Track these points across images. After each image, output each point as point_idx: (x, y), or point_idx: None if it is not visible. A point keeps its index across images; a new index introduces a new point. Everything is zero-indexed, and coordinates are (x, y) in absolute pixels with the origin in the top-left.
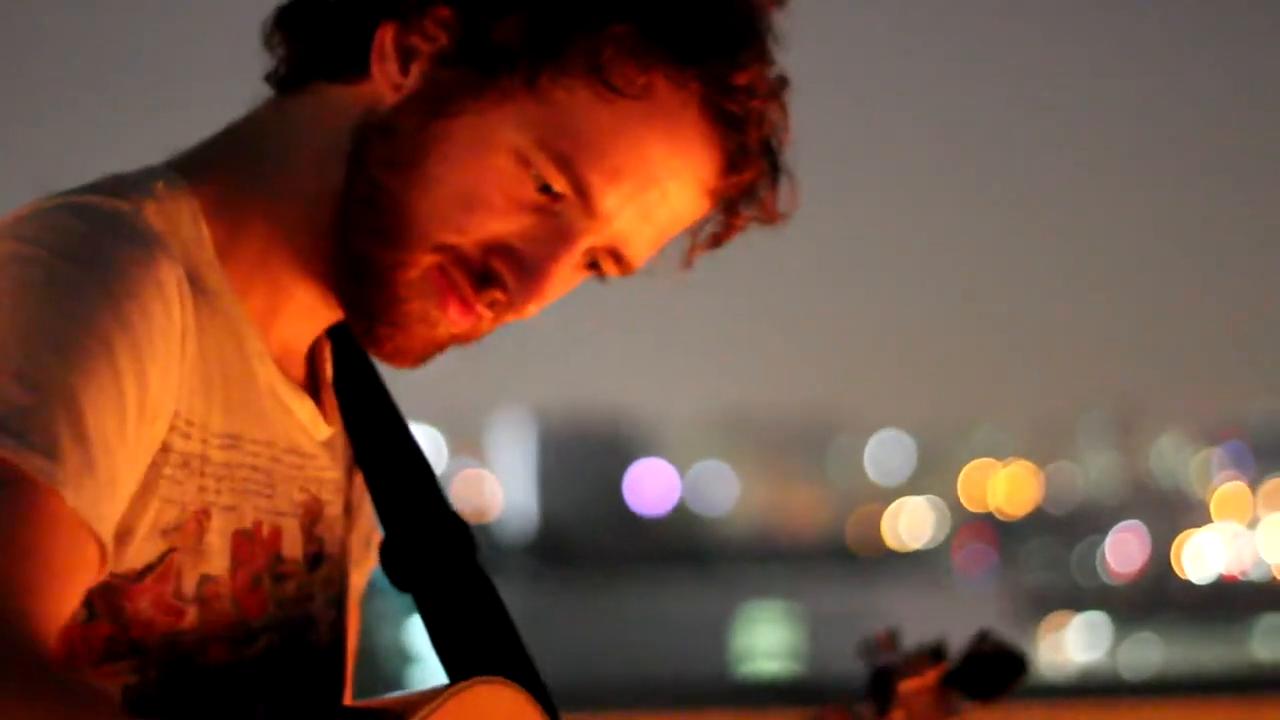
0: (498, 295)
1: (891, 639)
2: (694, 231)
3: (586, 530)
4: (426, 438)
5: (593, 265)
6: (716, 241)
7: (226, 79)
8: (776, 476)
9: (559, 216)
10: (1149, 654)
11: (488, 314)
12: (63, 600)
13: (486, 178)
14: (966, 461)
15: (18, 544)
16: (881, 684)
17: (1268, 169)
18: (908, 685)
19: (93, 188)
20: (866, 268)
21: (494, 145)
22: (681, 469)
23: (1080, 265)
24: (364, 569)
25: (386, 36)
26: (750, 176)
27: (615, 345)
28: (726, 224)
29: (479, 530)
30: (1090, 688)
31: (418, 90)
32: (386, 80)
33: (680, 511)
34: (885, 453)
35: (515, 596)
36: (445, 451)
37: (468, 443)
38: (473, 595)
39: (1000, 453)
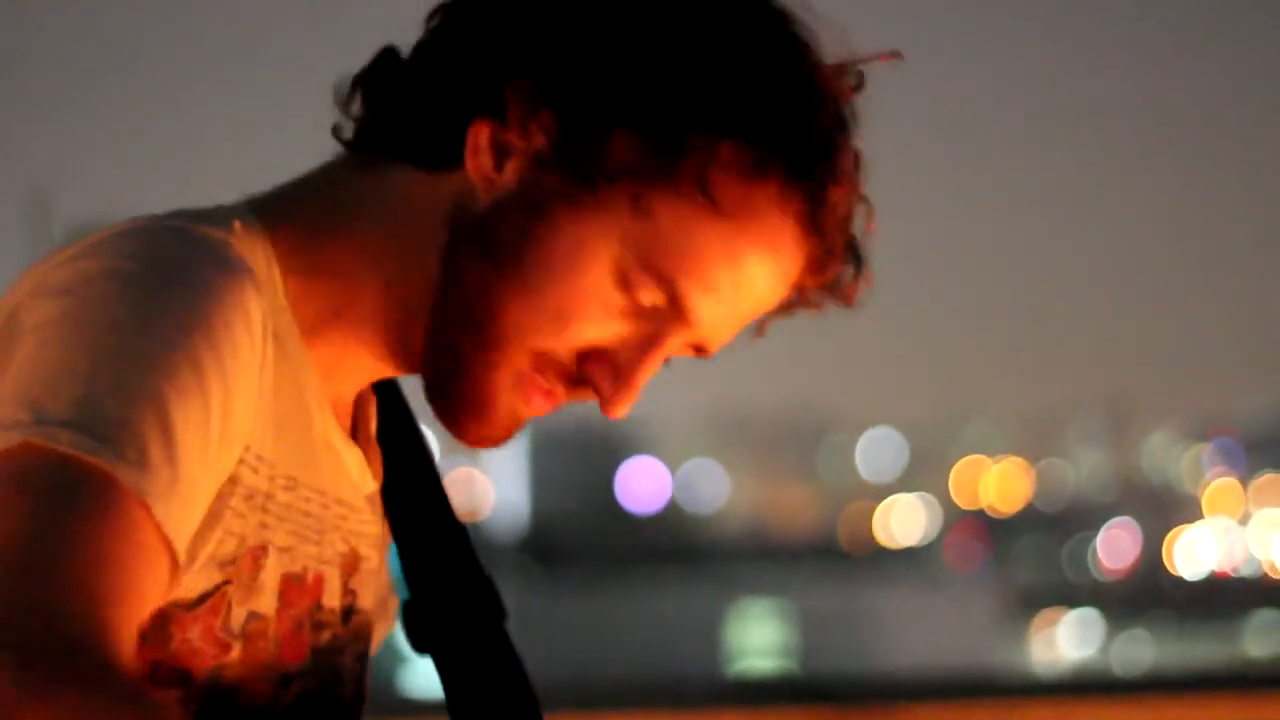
0: (586, 394)
1: None
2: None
3: (578, 528)
4: None
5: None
6: (787, 313)
7: (228, 86)
8: (768, 474)
9: (650, 321)
10: (1141, 650)
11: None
12: (138, 612)
13: (584, 290)
14: (958, 458)
15: (104, 552)
16: None
17: (1261, 167)
18: None
19: (177, 215)
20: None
21: (593, 258)
22: (672, 467)
23: (1072, 262)
24: (380, 630)
25: (483, 132)
26: (835, 274)
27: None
28: (801, 305)
29: (471, 529)
30: (1082, 684)
31: (514, 192)
32: (479, 174)
33: (672, 509)
34: (876, 450)
35: (507, 595)
36: (437, 450)
37: (458, 443)
38: (493, 662)
39: (991, 449)
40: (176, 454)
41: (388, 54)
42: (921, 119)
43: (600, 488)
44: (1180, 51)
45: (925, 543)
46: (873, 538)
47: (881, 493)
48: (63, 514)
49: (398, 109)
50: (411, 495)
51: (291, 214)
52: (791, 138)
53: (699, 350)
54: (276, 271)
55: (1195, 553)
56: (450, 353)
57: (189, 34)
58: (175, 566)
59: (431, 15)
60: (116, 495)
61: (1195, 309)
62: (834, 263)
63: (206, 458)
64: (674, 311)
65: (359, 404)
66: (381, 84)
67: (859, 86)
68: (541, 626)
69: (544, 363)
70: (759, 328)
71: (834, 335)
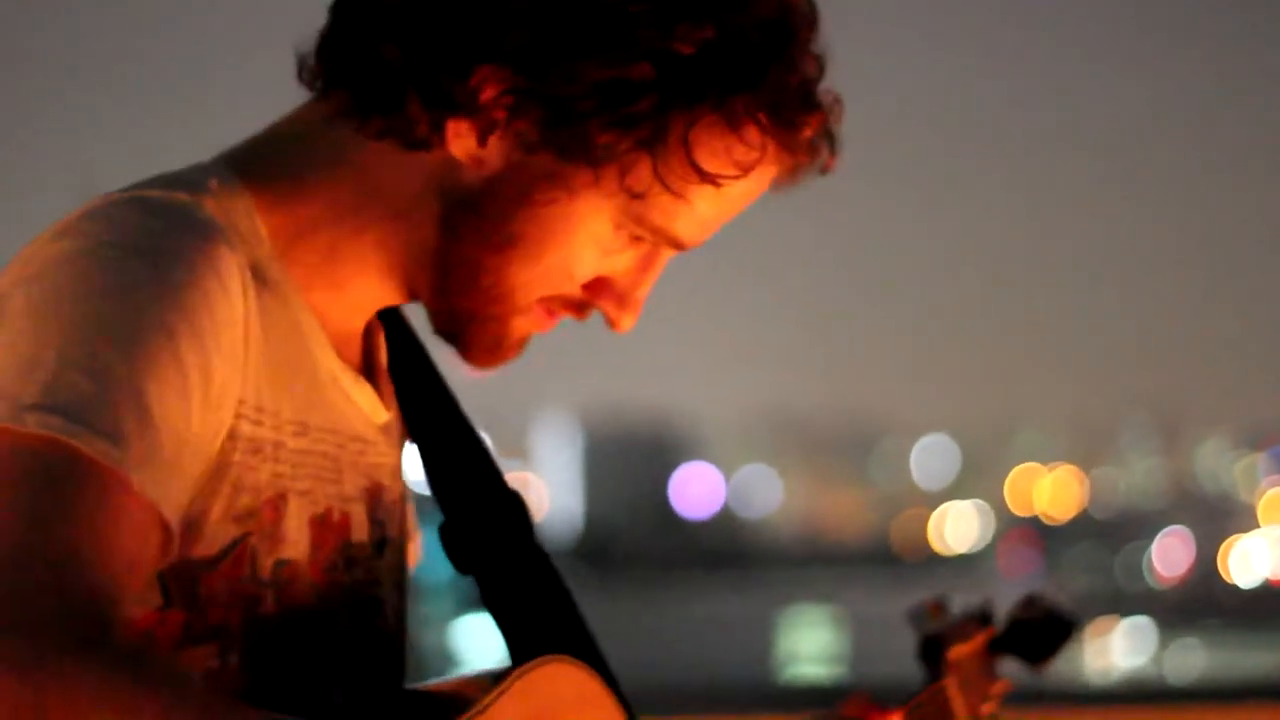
0: (591, 313)
1: (940, 607)
2: None
3: (631, 533)
4: None
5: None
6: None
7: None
8: (821, 480)
9: (646, 248)
10: (1194, 659)
11: None
12: (133, 580)
13: (584, 245)
14: (1011, 466)
15: (88, 526)
16: (932, 651)
17: None
18: (957, 651)
19: (148, 184)
20: (913, 272)
21: (588, 224)
22: (726, 472)
23: (1126, 270)
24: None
25: (462, 123)
26: (806, 164)
27: (660, 348)
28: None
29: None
30: (1135, 693)
31: (503, 173)
32: (462, 148)
33: (725, 515)
34: (930, 457)
35: None
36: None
37: (513, 445)
38: (534, 573)
39: (1045, 457)
40: (153, 422)
41: (348, 2)
42: (983, 132)
43: (654, 493)
44: (1248, 54)
45: (978, 549)
46: (926, 544)
47: (935, 499)
48: (42, 496)
49: (371, 85)
50: (430, 421)
51: (270, 166)
52: (763, 85)
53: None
54: (259, 222)
55: (1249, 561)
56: (461, 310)
57: (244, 31)
58: (166, 529)
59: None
60: (93, 470)
61: (1250, 316)
62: (808, 159)
63: (190, 421)
64: (666, 239)
65: (367, 336)
66: (351, 45)
67: None
68: (594, 630)
69: (552, 301)
70: None
71: (888, 342)
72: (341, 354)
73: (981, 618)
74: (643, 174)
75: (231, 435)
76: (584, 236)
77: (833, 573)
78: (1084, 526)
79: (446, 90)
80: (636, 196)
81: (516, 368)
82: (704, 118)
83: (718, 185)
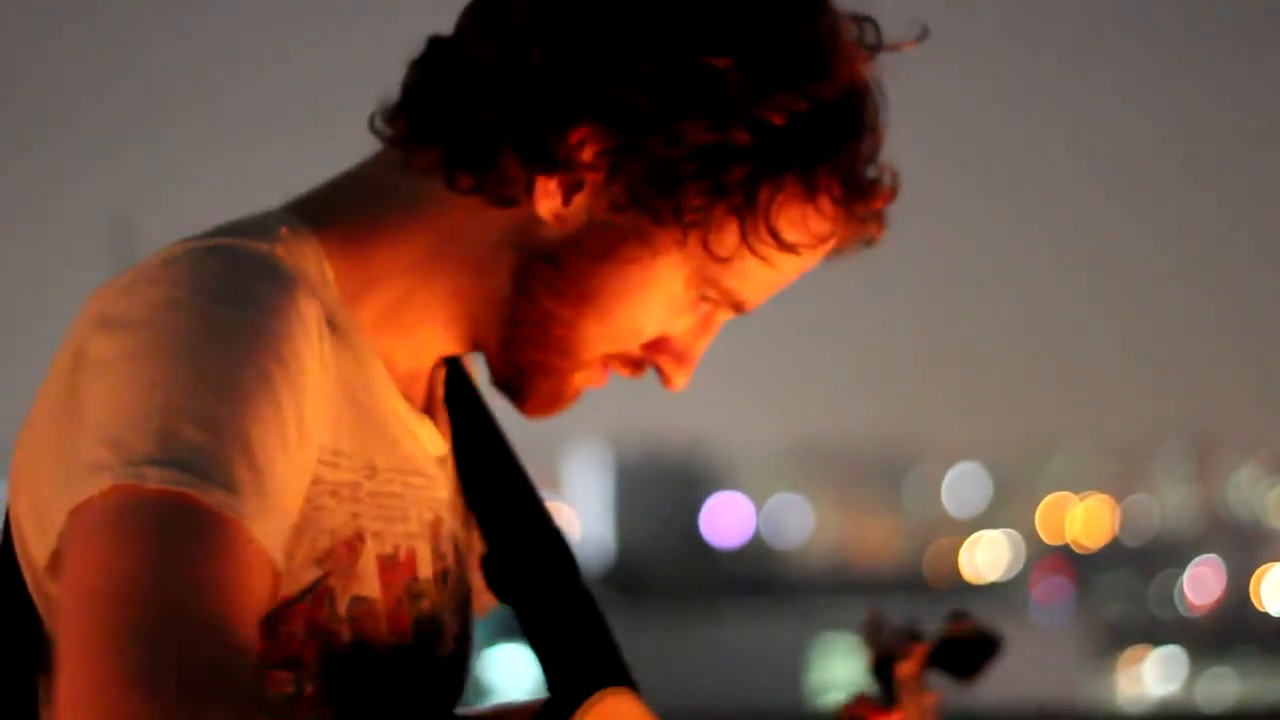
0: (647, 370)
1: (877, 624)
2: None
3: (662, 562)
4: None
5: None
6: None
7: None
8: (852, 508)
9: (709, 310)
10: (1226, 687)
11: None
12: (253, 627)
13: (657, 305)
14: (1043, 494)
15: (220, 579)
16: (885, 670)
17: None
18: (904, 668)
19: (224, 231)
20: (943, 299)
21: (665, 286)
22: (757, 501)
23: (1159, 297)
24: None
25: (551, 181)
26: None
27: (691, 376)
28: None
29: None
30: None
31: (585, 229)
32: (548, 206)
33: (756, 543)
34: (961, 485)
35: None
36: None
37: (543, 474)
38: (574, 607)
39: (1076, 485)
40: (261, 471)
41: (436, 57)
42: (1008, 160)
43: (684, 521)
44: (1267, 81)
45: (1010, 577)
46: (957, 572)
47: (966, 527)
48: (169, 551)
49: (464, 142)
50: (479, 454)
51: (339, 215)
52: (841, 157)
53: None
54: (329, 270)
55: None
56: (528, 363)
57: (270, 62)
58: (277, 576)
59: (480, 27)
60: (214, 522)
61: None
62: (873, 233)
63: (289, 468)
64: (732, 302)
65: (431, 370)
66: (443, 102)
67: (873, 48)
68: (626, 658)
69: (613, 358)
70: None
71: (919, 371)
72: (406, 393)
73: (913, 634)
74: (729, 239)
75: (316, 480)
76: (659, 295)
77: (864, 601)
78: (1116, 555)
79: (545, 147)
80: (720, 261)
81: None
82: (788, 186)
83: (796, 254)
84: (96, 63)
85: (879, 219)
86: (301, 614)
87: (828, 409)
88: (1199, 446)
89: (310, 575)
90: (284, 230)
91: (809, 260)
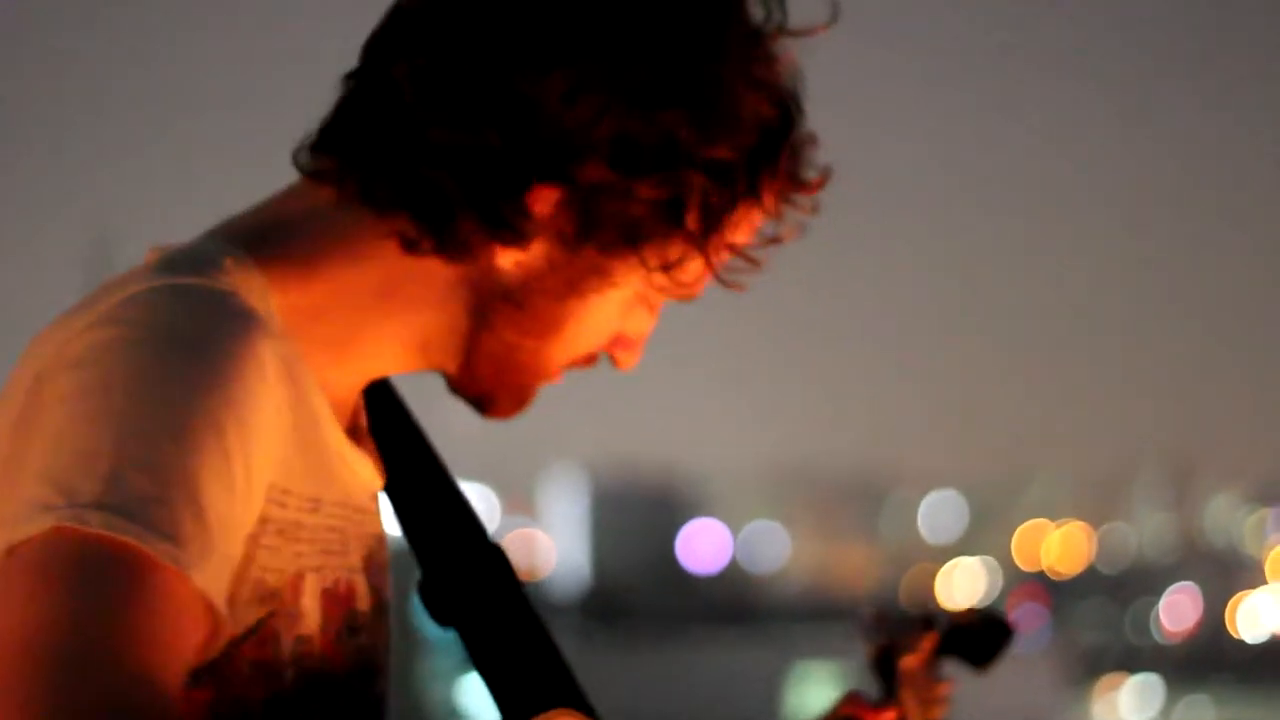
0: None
1: (884, 618)
2: None
3: (638, 588)
4: (479, 496)
5: None
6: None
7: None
8: (829, 535)
9: (655, 301)
10: (1202, 715)
11: None
12: (179, 679)
13: (616, 320)
14: (1020, 521)
15: (142, 626)
16: (886, 662)
17: None
18: (907, 661)
19: (177, 266)
20: (920, 328)
21: (624, 304)
22: (734, 528)
23: (1137, 326)
24: None
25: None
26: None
27: (667, 404)
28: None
29: (531, 589)
30: None
31: (546, 269)
32: (508, 256)
33: (733, 570)
34: (938, 512)
35: (568, 654)
36: (498, 510)
37: (520, 500)
38: (517, 625)
39: (1053, 512)
40: (207, 519)
41: (370, 109)
42: (984, 181)
43: (661, 548)
44: (1260, 100)
45: (986, 604)
46: (934, 599)
47: (943, 554)
48: (103, 598)
49: (423, 211)
50: (410, 476)
51: (281, 245)
52: (783, 161)
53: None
54: (273, 303)
55: (1257, 616)
56: (491, 383)
57: (252, 79)
58: (219, 622)
59: (420, 93)
60: (154, 571)
61: (1258, 371)
62: (814, 211)
63: (234, 513)
64: (686, 298)
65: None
66: (399, 170)
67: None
68: (602, 686)
69: (575, 362)
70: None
71: (896, 399)
72: (341, 423)
73: (925, 623)
74: (691, 265)
75: (262, 520)
76: (617, 310)
77: (841, 628)
78: (1092, 582)
79: (504, 217)
80: (681, 285)
81: (523, 424)
82: (740, 206)
83: (745, 256)
84: (79, 81)
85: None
86: (246, 655)
87: (805, 436)
88: (1176, 475)
89: (254, 615)
90: (229, 261)
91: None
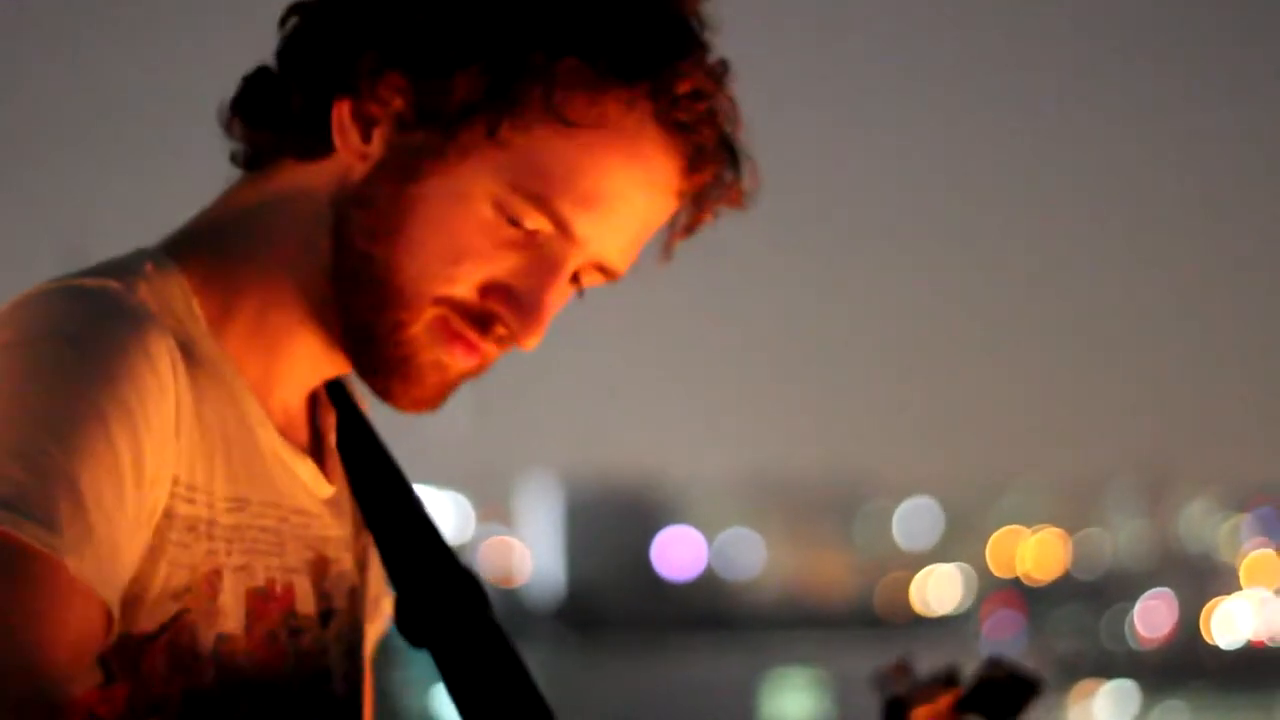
0: (500, 332)
1: (903, 669)
2: (668, 226)
3: (614, 596)
4: (454, 503)
5: (574, 278)
6: (689, 231)
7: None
8: (804, 542)
9: (542, 248)
10: None
11: (493, 349)
12: (75, 662)
13: (468, 229)
14: (994, 527)
15: (28, 613)
16: (895, 713)
17: None
18: (920, 713)
19: (86, 271)
20: (895, 337)
21: (469, 198)
22: (709, 535)
23: (1111, 333)
24: (373, 629)
25: (344, 110)
26: (711, 172)
27: (642, 411)
28: (696, 215)
29: (507, 596)
30: None
31: (385, 158)
32: (352, 152)
33: (708, 577)
34: (914, 520)
35: (543, 662)
36: (473, 517)
37: (495, 508)
38: (488, 648)
39: (1029, 519)
40: (86, 507)
41: (258, 72)
42: (960, 190)
43: (636, 556)
44: (1234, 118)
45: (961, 611)
46: (909, 606)
47: (918, 561)
48: None
49: (269, 116)
50: (380, 499)
51: (200, 244)
52: (628, 43)
53: (604, 272)
54: (195, 302)
55: (1232, 623)
56: (359, 321)
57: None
58: (106, 611)
59: (283, 20)
60: (28, 558)
61: (1233, 377)
62: (708, 163)
63: (124, 503)
64: (560, 233)
65: (319, 414)
66: (253, 99)
67: None
68: (578, 694)
69: (450, 308)
70: (665, 250)
71: (871, 406)
72: (286, 432)
73: (947, 679)
74: (509, 128)
75: (168, 514)
76: (469, 218)
77: (816, 635)
78: (1068, 588)
79: (333, 75)
80: (505, 150)
81: (498, 431)
82: (566, 67)
83: (574, 128)
84: (52, 91)
85: (703, 114)
86: (162, 650)
87: (779, 443)
88: (1151, 481)
89: (168, 610)
90: (149, 267)
91: (635, 180)
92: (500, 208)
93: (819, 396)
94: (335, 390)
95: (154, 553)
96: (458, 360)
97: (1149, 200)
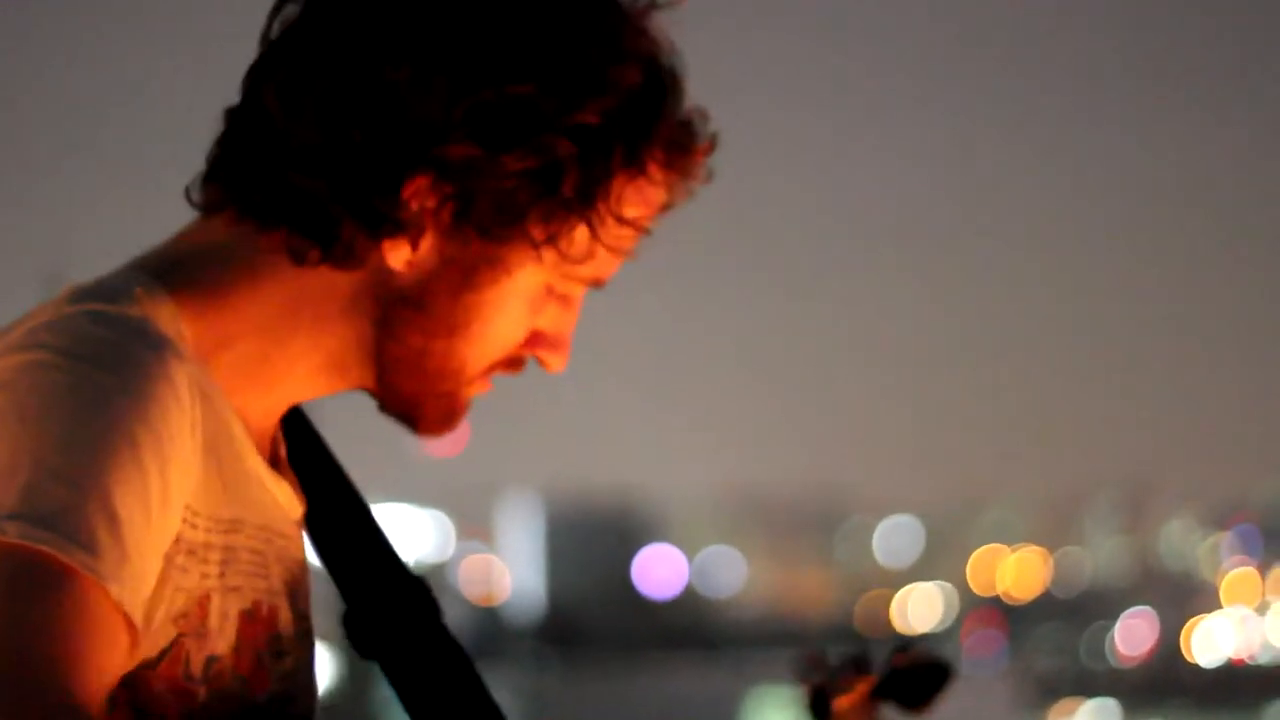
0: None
1: (819, 659)
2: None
3: (595, 613)
4: (434, 521)
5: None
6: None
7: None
8: (785, 560)
9: (569, 294)
10: None
11: None
12: (104, 686)
13: (524, 315)
14: (975, 545)
15: (69, 635)
16: (820, 703)
17: (1275, 251)
18: (841, 702)
19: (88, 294)
20: (875, 352)
21: (524, 295)
22: (690, 553)
23: (1087, 350)
24: None
25: (396, 242)
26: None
27: (623, 429)
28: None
29: (487, 614)
30: None
31: (439, 267)
32: (398, 258)
33: (689, 595)
34: (894, 537)
35: (524, 680)
36: (453, 535)
37: (476, 526)
38: (439, 656)
39: (1009, 537)
40: (122, 532)
41: (245, 134)
42: (943, 211)
43: (617, 573)
44: (1215, 135)
45: (942, 629)
46: (890, 624)
47: (898, 579)
48: (20, 604)
49: (303, 220)
50: (329, 508)
51: (192, 276)
52: (659, 127)
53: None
54: (185, 330)
55: (1213, 640)
56: (411, 394)
57: (210, 115)
58: (134, 635)
59: (286, 104)
60: (70, 579)
61: (1212, 395)
62: (705, 179)
63: (150, 529)
64: (595, 285)
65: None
66: (257, 178)
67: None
68: (558, 711)
69: (495, 366)
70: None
71: (852, 424)
72: (260, 451)
73: (858, 665)
74: (580, 240)
75: (176, 540)
76: (522, 304)
77: (797, 653)
78: (1048, 606)
79: (381, 211)
80: (572, 261)
81: (478, 450)
82: (620, 175)
83: (642, 230)
84: (33, 116)
85: (703, 160)
86: (162, 675)
87: (760, 461)
88: (1131, 499)
89: (168, 635)
90: (139, 291)
91: (649, 220)
92: (549, 290)
93: (800, 414)
94: None
95: (163, 579)
96: (484, 391)
97: (1128, 218)
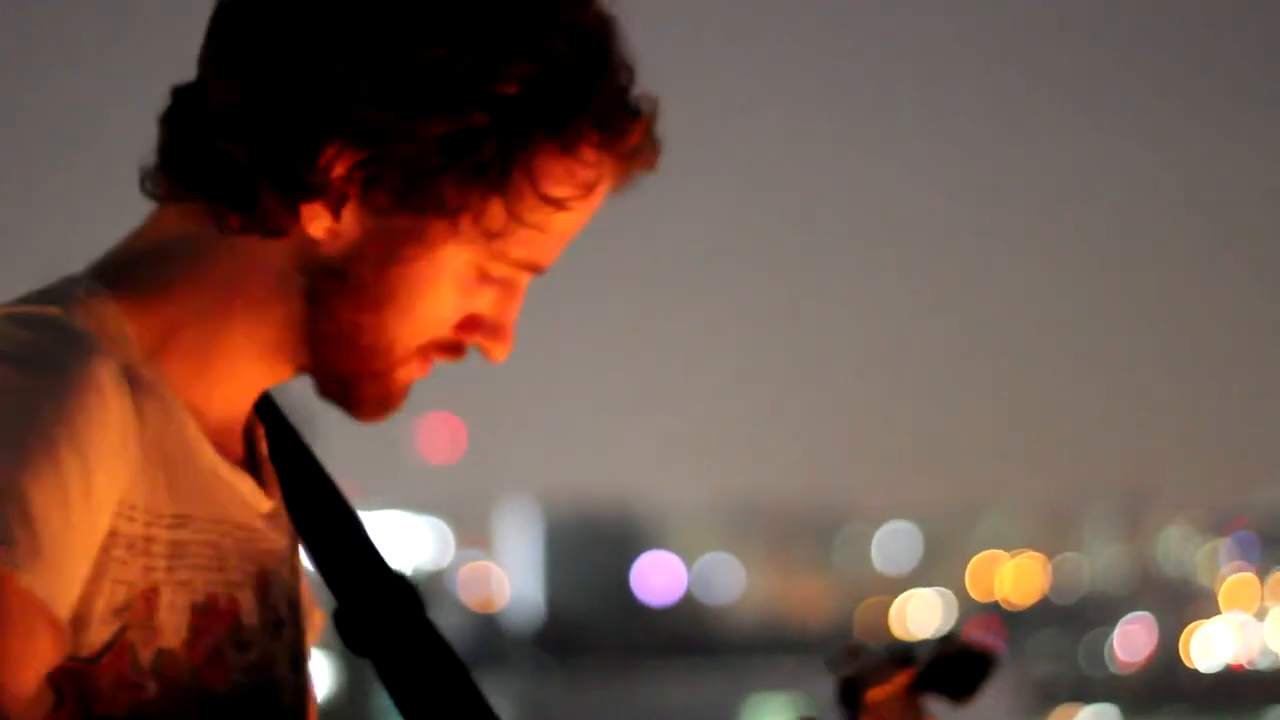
0: (468, 349)
1: (857, 651)
2: None
3: (593, 621)
4: (433, 529)
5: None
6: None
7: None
8: (783, 567)
9: (508, 279)
10: None
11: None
12: (24, 675)
13: (454, 292)
14: (974, 552)
15: None
16: (850, 693)
17: (1272, 256)
18: (875, 693)
19: (23, 299)
20: (873, 359)
21: (453, 271)
22: (688, 560)
23: (1086, 356)
24: (309, 641)
25: (315, 206)
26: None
27: (620, 436)
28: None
29: (486, 621)
30: None
31: (362, 240)
32: (319, 226)
33: (687, 602)
34: (893, 544)
35: (523, 687)
36: (452, 543)
37: (474, 533)
38: (429, 653)
39: (1008, 543)
40: (37, 527)
41: (180, 107)
42: (940, 218)
43: (615, 581)
44: (1215, 143)
45: (941, 636)
46: (888, 630)
47: (897, 585)
48: None
49: (222, 184)
50: (312, 507)
51: (132, 272)
52: (589, 104)
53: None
54: (129, 329)
55: (1212, 646)
56: (344, 372)
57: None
58: (56, 625)
59: (215, 70)
60: None
61: (1211, 401)
62: (643, 164)
63: (71, 526)
64: (527, 268)
65: (250, 429)
66: (194, 150)
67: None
68: (557, 718)
69: (430, 346)
70: None
71: (850, 431)
72: (223, 447)
73: (902, 659)
74: (497, 215)
75: (111, 534)
76: (450, 282)
77: (795, 660)
78: (1046, 613)
79: (298, 175)
80: (494, 237)
81: (477, 456)
82: (542, 148)
83: (568, 210)
84: (25, 131)
85: (649, 146)
86: (105, 669)
87: (758, 468)
88: (1129, 505)
89: (110, 629)
90: (81, 293)
91: (588, 204)
92: (480, 270)
93: (798, 421)
94: (262, 401)
95: (99, 573)
96: (422, 374)
97: (1124, 225)
